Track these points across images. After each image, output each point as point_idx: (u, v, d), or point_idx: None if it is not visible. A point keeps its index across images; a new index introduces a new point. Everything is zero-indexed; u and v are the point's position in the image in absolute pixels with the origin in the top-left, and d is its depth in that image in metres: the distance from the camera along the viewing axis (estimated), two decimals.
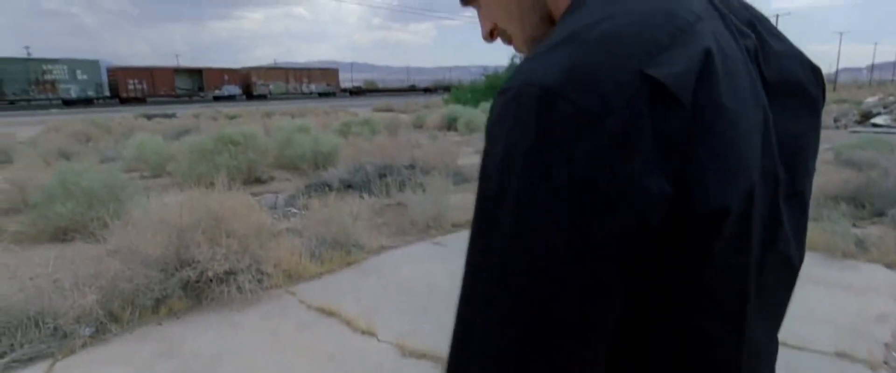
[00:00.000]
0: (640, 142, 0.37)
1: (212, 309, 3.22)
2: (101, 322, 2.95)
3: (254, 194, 5.59)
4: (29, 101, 39.04)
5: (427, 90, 68.29)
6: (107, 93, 43.32)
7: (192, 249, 3.26)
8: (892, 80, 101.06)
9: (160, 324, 3.07)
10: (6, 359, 2.64)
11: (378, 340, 2.87)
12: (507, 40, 0.63)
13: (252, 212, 3.74)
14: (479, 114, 15.43)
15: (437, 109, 20.89)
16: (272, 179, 7.61)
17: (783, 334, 0.57)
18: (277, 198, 6.08)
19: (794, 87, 0.53)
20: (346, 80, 72.86)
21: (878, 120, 14.80)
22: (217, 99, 46.70)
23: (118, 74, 43.97)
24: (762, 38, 0.52)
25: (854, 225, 4.60)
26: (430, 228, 4.87)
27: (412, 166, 6.87)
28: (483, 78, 29.62)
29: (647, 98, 0.38)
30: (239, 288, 3.27)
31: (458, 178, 6.92)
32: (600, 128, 0.37)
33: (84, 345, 2.81)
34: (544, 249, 0.38)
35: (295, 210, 5.47)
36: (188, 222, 3.38)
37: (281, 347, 2.83)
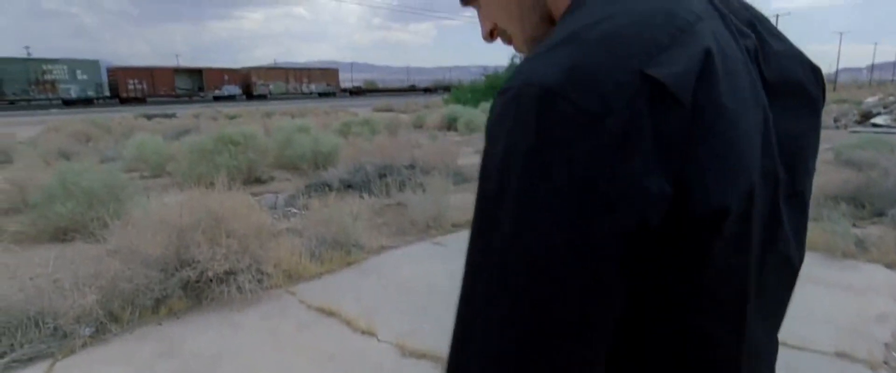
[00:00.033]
0: (640, 142, 0.37)
1: (212, 309, 3.22)
2: (101, 322, 2.95)
3: (254, 194, 5.59)
4: (29, 101, 39.04)
5: (427, 90, 68.30)
6: (107, 93, 43.32)
7: (192, 249, 3.26)
8: (892, 80, 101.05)
9: (160, 324, 3.07)
10: (6, 359, 2.64)
11: (378, 340, 2.87)
12: (507, 40, 0.63)
13: (252, 212, 3.74)
14: (479, 114, 15.42)
15: (437, 109, 20.89)
16: (272, 179, 7.61)
17: (783, 334, 0.57)
18: (277, 198, 6.08)
19: (794, 87, 0.53)
20: (346, 80, 72.87)
21: (878, 120, 14.80)
22: (217, 99, 46.70)
23: (118, 74, 43.96)
24: (762, 38, 0.52)
25: (854, 225, 4.60)
26: (431, 228, 4.87)
27: (412, 166, 6.87)
28: (483, 78, 29.62)
29: (647, 98, 0.38)
30: (239, 288, 3.27)
31: (458, 178, 6.92)
32: (600, 128, 0.37)
33: (84, 345, 2.81)
34: (544, 249, 0.38)
35: (295, 210, 5.47)
36: (188, 222, 3.38)
37: (281, 347, 2.83)
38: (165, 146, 8.57)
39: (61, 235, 4.60)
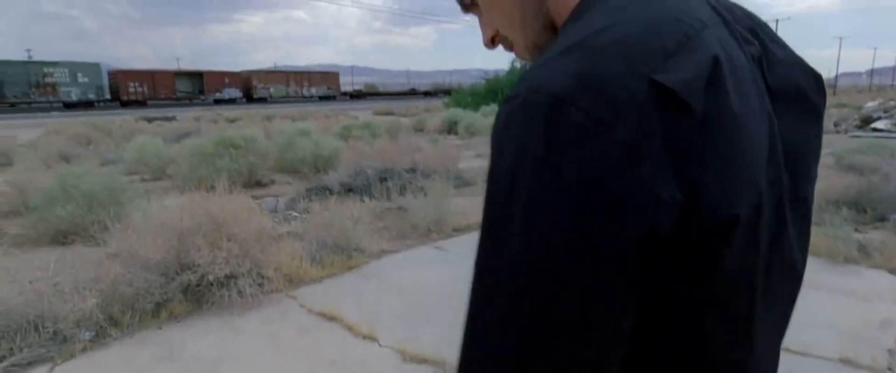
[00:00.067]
0: (650, 149, 0.37)
1: (212, 313, 3.22)
2: (101, 326, 2.94)
3: (254, 198, 5.59)
4: (30, 103, 39.09)
5: (427, 94, 68.42)
6: (107, 96, 43.39)
7: (193, 252, 3.25)
8: (892, 85, 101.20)
9: (160, 328, 3.06)
10: (5, 363, 2.62)
11: (379, 345, 2.85)
12: (509, 47, 0.63)
13: (253, 215, 3.73)
14: (480, 117, 15.46)
15: (438, 112, 20.91)
16: (273, 182, 7.61)
17: (786, 340, 0.57)
18: (278, 201, 6.07)
19: (797, 94, 0.54)
20: (346, 83, 72.98)
21: (878, 125, 14.79)
22: (217, 102, 46.78)
23: (119, 77, 44.05)
24: (765, 45, 0.52)
25: (856, 230, 4.59)
26: (431, 232, 4.86)
27: (413, 170, 6.87)
28: (483, 82, 29.69)
29: (657, 105, 0.38)
30: (239, 292, 3.26)
31: (459, 181, 6.92)
32: (610, 135, 0.37)
33: (84, 349, 2.79)
34: (545, 250, 0.38)
35: (295, 214, 5.46)
36: (189, 226, 3.37)
37: (281, 351, 2.82)
38: (166, 149, 8.57)
39: (61, 238, 4.60)
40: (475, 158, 9.46)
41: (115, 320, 3.01)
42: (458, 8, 0.65)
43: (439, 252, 4.44)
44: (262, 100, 50.22)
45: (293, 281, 3.68)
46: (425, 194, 5.28)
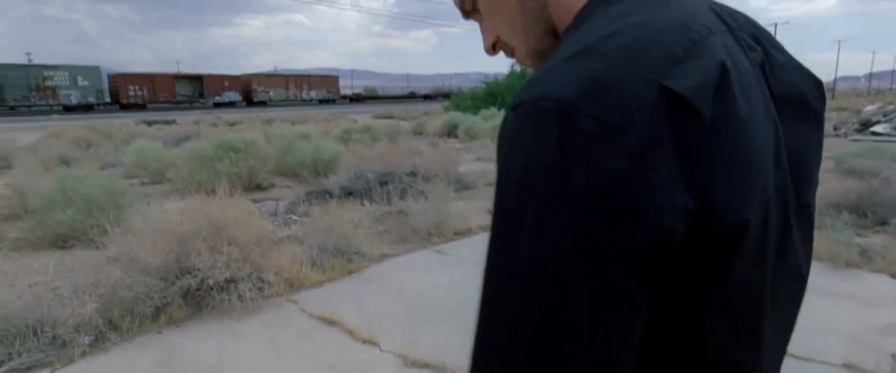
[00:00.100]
0: (660, 155, 0.37)
1: (212, 317, 3.20)
2: (101, 331, 2.93)
3: (254, 201, 5.58)
4: (29, 107, 39.08)
5: (427, 97, 68.47)
6: (107, 99, 43.38)
7: (193, 256, 3.24)
8: (891, 89, 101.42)
9: (160, 332, 3.05)
10: (4, 368, 2.61)
11: (380, 350, 2.84)
12: (510, 53, 0.63)
13: (253, 219, 3.73)
14: (480, 121, 15.47)
15: (438, 116, 20.94)
16: (273, 186, 7.61)
17: (790, 345, 0.58)
18: (278, 205, 6.06)
19: (799, 99, 0.54)
20: (346, 86, 73.03)
21: (877, 128, 14.82)
22: (217, 105, 46.78)
23: (119, 81, 44.05)
24: (767, 51, 0.53)
25: (857, 234, 4.59)
26: (432, 235, 4.85)
27: (413, 174, 6.86)
28: (483, 85, 29.74)
29: (666, 111, 0.38)
30: (240, 296, 3.25)
31: (459, 185, 6.91)
32: (621, 141, 0.37)
33: (83, 354, 2.78)
34: (556, 254, 0.38)
35: (296, 217, 5.46)
36: (188, 230, 3.36)
37: (282, 356, 2.81)
38: (166, 153, 8.57)
39: (61, 242, 4.59)
40: (475, 162, 9.46)
41: (114, 325, 3.00)
42: (457, 11, 0.65)
43: (440, 256, 4.43)
44: (262, 103, 50.21)
45: (293, 285, 3.67)
46: (426, 198, 5.27)
